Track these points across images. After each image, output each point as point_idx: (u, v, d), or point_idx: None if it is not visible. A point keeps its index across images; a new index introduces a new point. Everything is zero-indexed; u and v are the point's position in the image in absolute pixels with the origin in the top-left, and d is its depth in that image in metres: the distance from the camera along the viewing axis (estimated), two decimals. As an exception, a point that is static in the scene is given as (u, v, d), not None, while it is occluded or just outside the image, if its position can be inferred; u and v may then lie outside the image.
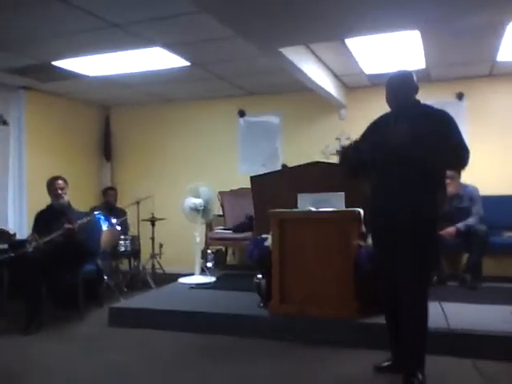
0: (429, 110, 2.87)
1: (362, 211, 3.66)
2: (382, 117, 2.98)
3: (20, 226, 5.73)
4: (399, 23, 3.68)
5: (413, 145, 2.62)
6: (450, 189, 4.92)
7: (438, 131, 2.67)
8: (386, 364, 2.97)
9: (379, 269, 2.98)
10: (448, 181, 4.90)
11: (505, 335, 3.25)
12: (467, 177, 5.14)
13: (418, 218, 2.72)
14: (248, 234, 5.57)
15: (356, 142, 3.00)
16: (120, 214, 6.04)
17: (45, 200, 4.60)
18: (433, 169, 2.74)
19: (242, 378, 3.10)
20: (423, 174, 2.72)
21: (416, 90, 2.88)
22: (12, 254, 4.36)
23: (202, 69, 5.30)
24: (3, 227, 5.25)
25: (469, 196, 5.01)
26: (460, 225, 4.86)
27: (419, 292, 2.73)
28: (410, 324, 2.73)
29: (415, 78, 2.88)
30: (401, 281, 2.75)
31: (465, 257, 5.03)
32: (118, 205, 6.43)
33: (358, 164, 2.94)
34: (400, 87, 2.84)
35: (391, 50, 4.58)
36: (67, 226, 4.23)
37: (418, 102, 2.90)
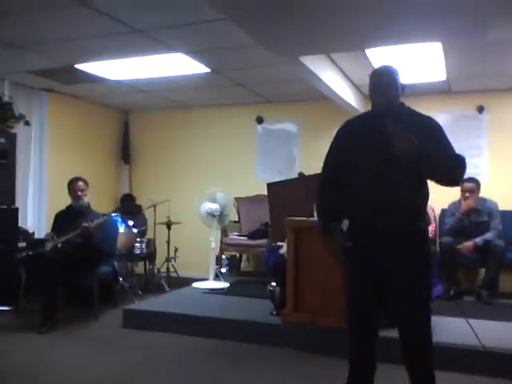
0: (417, 114, 2.52)
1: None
2: (357, 119, 2.65)
3: (39, 226, 5.82)
4: (421, 35, 3.66)
5: (418, 155, 2.25)
6: (469, 202, 4.90)
7: (429, 139, 2.33)
8: None
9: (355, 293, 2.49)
10: (467, 194, 4.91)
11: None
12: (486, 191, 5.10)
13: (418, 234, 2.40)
14: (263, 241, 5.58)
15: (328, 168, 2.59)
16: (137, 210, 6.11)
17: (64, 200, 4.67)
18: (427, 179, 2.43)
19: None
20: (416, 183, 2.39)
21: (403, 89, 2.51)
22: (30, 253, 4.43)
23: (221, 76, 5.34)
24: (22, 226, 5.34)
25: (487, 211, 4.96)
26: (478, 239, 4.81)
27: (428, 331, 2.38)
28: (423, 372, 2.40)
29: (398, 76, 2.52)
30: (406, 319, 2.39)
31: (482, 272, 4.97)
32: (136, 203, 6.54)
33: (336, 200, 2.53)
34: (388, 83, 2.45)
35: (412, 61, 4.56)
36: (84, 224, 4.27)
37: (403, 103, 2.54)
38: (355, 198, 2.45)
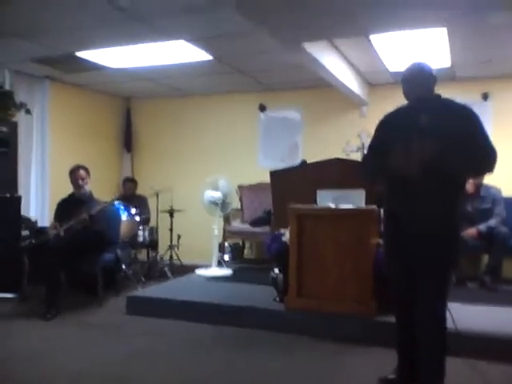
0: (452, 104, 2.61)
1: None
2: (396, 112, 2.72)
3: (42, 214, 5.82)
4: (426, 20, 3.62)
5: (441, 155, 2.38)
6: (469, 186, 4.86)
7: (464, 130, 2.43)
8: (391, 377, 2.77)
9: (391, 273, 2.76)
10: (470, 180, 4.88)
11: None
12: (490, 178, 5.06)
13: (442, 226, 2.52)
14: (265, 229, 5.59)
15: (372, 148, 2.78)
16: (140, 201, 6.11)
17: (67, 189, 4.67)
18: (459, 175, 2.56)
19: (254, 369, 3.12)
20: (448, 181, 2.49)
21: (435, 81, 2.64)
22: (33, 241, 4.44)
23: (224, 63, 5.30)
24: (25, 214, 5.34)
25: (491, 197, 4.94)
26: (481, 226, 4.80)
27: (439, 304, 2.53)
28: (429, 333, 2.54)
29: (433, 70, 2.67)
30: (420, 294, 2.56)
31: (485, 258, 4.97)
32: (138, 192, 6.51)
33: (378, 172, 2.73)
34: (416, 78, 2.61)
35: (416, 48, 4.52)
36: (83, 217, 4.29)
37: (439, 95, 2.66)
38: (391, 200, 2.70)
